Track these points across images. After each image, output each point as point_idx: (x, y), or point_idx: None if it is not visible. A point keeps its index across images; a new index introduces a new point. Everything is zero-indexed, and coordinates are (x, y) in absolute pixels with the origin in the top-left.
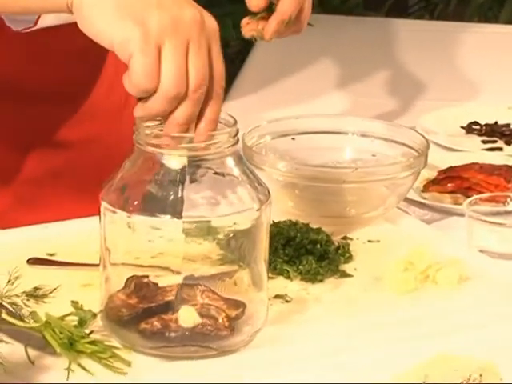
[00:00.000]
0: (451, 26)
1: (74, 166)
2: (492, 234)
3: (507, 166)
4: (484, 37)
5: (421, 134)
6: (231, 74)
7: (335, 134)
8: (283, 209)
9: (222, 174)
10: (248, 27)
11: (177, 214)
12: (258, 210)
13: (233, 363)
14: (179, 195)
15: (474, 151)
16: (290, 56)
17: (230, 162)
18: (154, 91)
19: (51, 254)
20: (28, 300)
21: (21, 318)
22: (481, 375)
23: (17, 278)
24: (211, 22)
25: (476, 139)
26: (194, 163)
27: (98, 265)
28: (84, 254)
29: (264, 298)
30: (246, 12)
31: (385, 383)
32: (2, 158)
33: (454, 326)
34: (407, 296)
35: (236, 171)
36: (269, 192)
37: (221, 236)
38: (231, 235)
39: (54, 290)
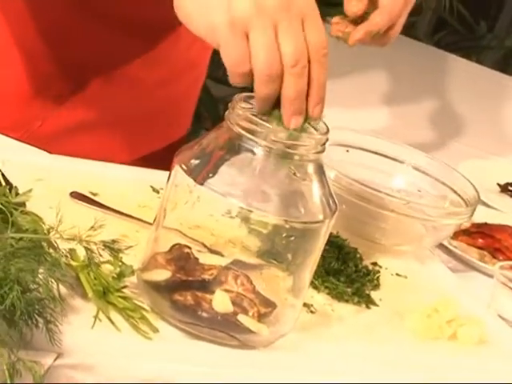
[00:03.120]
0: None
1: (138, 107)
2: None
3: None
4: None
5: (473, 186)
6: None
7: (390, 160)
8: None
9: (300, 178)
10: (337, 27)
11: (242, 199)
12: (321, 222)
13: (250, 360)
14: (251, 183)
15: (508, 213)
16: (340, 58)
17: (310, 168)
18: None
19: (94, 194)
20: (103, 250)
21: (60, 254)
22: None
23: (101, 226)
24: None
25: (508, 200)
26: (276, 159)
27: (138, 219)
28: (125, 202)
29: (297, 306)
30: None
31: None
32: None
33: None
34: (426, 343)
35: (314, 178)
36: (337, 208)
37: (276, 235)
38: (290, 237)
39: (131, 247)
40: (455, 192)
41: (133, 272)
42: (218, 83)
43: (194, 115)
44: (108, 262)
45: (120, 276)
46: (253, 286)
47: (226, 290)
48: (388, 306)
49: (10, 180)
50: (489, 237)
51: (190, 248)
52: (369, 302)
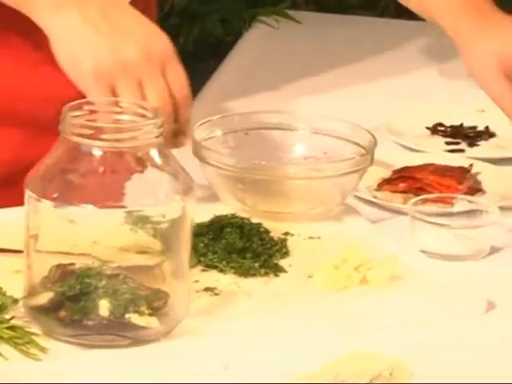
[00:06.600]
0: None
1: None
2: (433, 234)
3: (461, 167)
4: None
5: (368, 132)
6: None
7: (288, 131)
8: (229, 204)
9: (146, 165)
10: None
11: (99, 203)
12: (180, 201)
13: (150, 353)
14: (102, 184)
15: (435, 152)
16: (275, 52)
17: (153, 152)
18: None
19: None
20: None
21: None
22: (391, 373)
23: None
24: (159, 46)
25: (440, 140)
26: (118, 154)
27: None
28: (16, 239)
29: (186, 289)
30: (233, 8)
31: (292, 383)
32: None
33: (375, 325)
34: (336, 294)
35: (160, 162)
36: (193, 182)
37: (144, 226)
38: (155, 226)
39: None
40: (356, 143)
41: (15, 301)
42: None
43: None
44: None
45: (1, 308)
46: (139, 283)
47: (113, 295)
48: (297, 269)
49: None
50: (409, 179)
51: (73, 264)
52: (277, 270)
